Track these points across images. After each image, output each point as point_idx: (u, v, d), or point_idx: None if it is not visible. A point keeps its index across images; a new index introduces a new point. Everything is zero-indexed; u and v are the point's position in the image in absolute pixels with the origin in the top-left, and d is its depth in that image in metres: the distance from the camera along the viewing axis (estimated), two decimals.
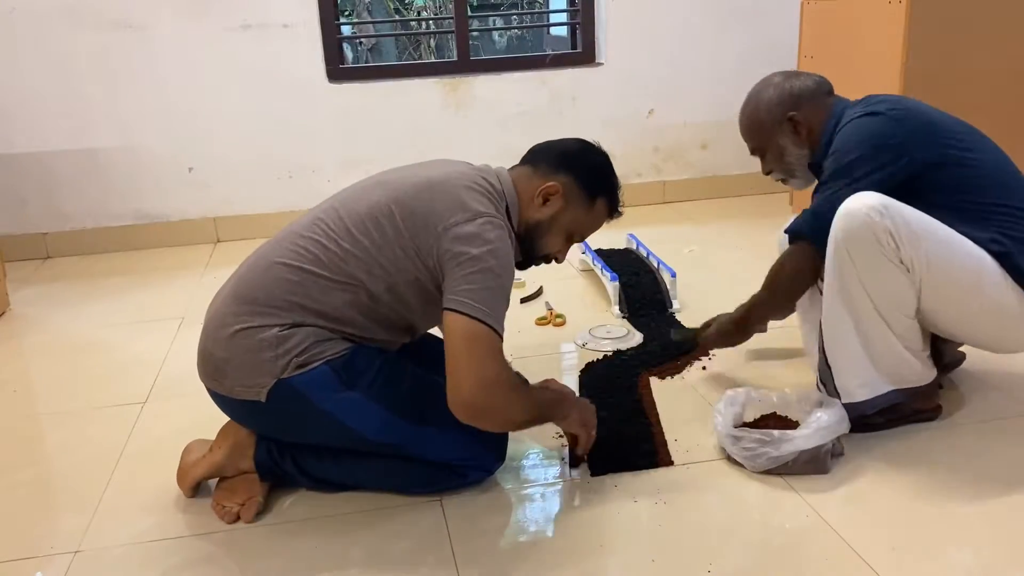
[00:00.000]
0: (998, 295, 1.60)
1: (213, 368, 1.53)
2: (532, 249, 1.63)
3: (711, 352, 2.16)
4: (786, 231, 1.78)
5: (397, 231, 1.48)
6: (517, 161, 1.68)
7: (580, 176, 1.59)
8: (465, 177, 1.53)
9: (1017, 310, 1.62)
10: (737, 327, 1.93)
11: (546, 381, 1.91)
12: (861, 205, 1.56)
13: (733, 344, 1.98)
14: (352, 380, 1.49)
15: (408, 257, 1.48)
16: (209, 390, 1.57)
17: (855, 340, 1.65)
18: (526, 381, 1.68)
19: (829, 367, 1.71)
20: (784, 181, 1.92)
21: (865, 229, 1.55)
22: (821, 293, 1.71)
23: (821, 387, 1.75)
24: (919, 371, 1.69)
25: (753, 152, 1.91)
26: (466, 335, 1.40)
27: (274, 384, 1.46)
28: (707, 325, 2.07)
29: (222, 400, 1.56)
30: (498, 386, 1.41)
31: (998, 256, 1.60)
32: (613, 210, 1.66)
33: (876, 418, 1.71)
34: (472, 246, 1.43)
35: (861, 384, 1.68)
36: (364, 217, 1.50)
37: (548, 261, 1.68)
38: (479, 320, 1.40)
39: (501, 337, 1.43)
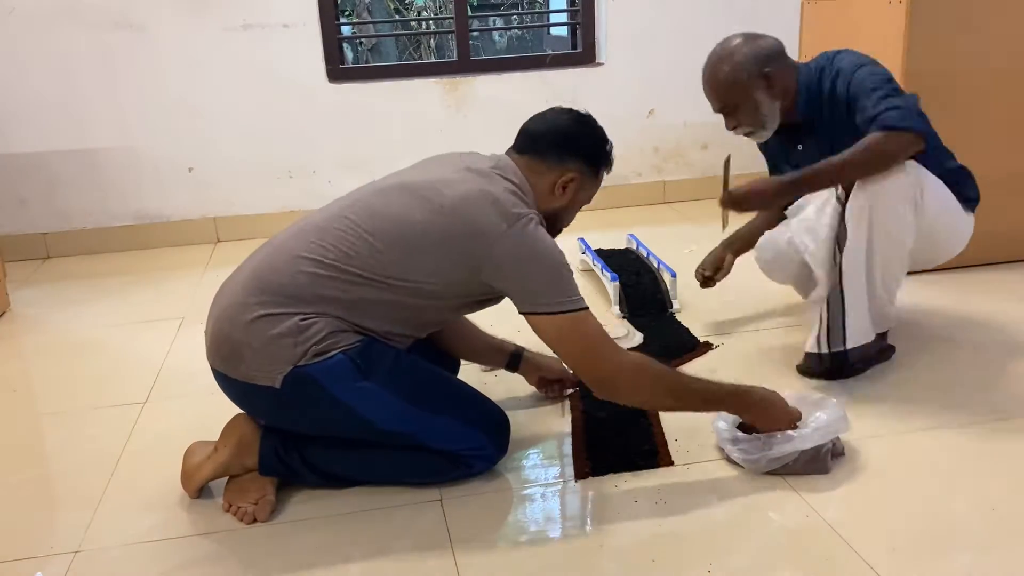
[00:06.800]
0: (962, 226, 1.99)
1: (229, 351, 1.52)
2: (554, 231, 1.69)
3: (713, 345, 2.21)
4: (887, 127, 1.78)
5: (444, 238, 1.51)
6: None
7: (588, 158, 1.68)
8: (492, 183, 1.56)
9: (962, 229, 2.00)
10: (787, 186, 1.90)
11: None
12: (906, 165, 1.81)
13: (768, 200, 1.98)
14: (368, 369, 1.50)
15: (452, 263, 1.52)
16: (219, 376, 1.57)
17: (877, 284, 1.87)
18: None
19: (844, 309, 1.86)
20: (749, 135, 2.03)
21: (910, 188, 1.81)
22: (843, 214, 1.84)
23: (823, 327, 1.89)
24: (893, 315, 1.97)
25: (722, 110, 2.01)
26: (574, 331, 1.52)
27: (290, 371, 1.47)
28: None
29: (233, 386, 1.55)
30: (642, 368, 1.56)
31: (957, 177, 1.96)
32: (608, 170, 1.75)
33: (858, 364, 1.93)
34: (525, 248, 1.51)
35: (866, 328, 1.90)
36: (396, 220, 1.52)
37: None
38: (568, 312, 1.51)
39: (587, 308, 1.54)
